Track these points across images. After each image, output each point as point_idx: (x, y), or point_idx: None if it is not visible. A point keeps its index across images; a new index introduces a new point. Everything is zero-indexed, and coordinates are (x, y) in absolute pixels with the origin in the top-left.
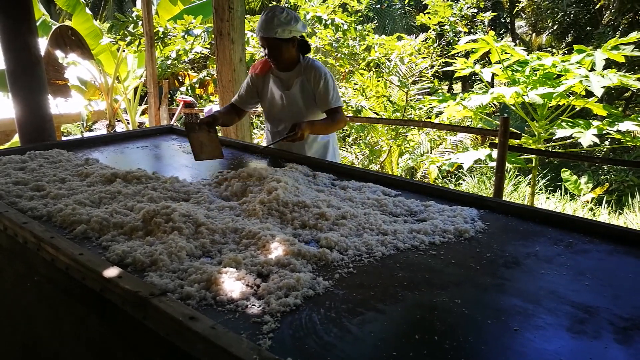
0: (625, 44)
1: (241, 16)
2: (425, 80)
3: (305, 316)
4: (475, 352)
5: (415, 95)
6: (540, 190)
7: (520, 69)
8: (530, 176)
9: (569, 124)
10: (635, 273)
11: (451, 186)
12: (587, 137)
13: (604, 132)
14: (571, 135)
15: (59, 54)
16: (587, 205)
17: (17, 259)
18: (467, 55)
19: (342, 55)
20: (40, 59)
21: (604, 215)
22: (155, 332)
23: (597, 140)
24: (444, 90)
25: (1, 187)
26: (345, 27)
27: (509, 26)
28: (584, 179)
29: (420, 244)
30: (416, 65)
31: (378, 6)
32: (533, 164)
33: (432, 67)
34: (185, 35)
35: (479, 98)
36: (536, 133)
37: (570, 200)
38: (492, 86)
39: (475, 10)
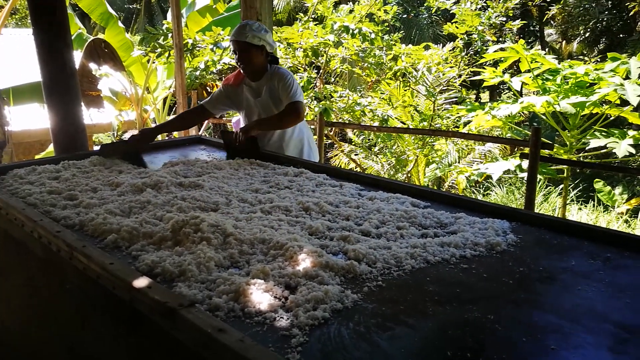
0: None
1: (269, 27)
2: (453, 90)
3: (334, 330)
4: None
5: (442, 105)
6: (572, 201)
7: (551, 77)
8: (561, 186)
9: (602, 133)
10: None
11: (479, 197)
12: (622, 147)
13: None
14: (605, 145)
15: (92, 66)
16: (621, 217)
17: (51, 267)
18: (495, 64)
19: (369, 65)
20: (75, 72)
21: None
22: (184, 344)
23: (633, 151)
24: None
25: (36, 196)
26: (373, 36)
27: (539, 34)
28: (618, 190)
29: (451, 257)
30: (443, 75)
31: (405, 16)
32: (565, 175)
33: (460, 76)
34: (214, 48)
35: (509, 107)
36: (568, 143)
37: (604, 211)
38: (522, 95)
39: (504, 19)
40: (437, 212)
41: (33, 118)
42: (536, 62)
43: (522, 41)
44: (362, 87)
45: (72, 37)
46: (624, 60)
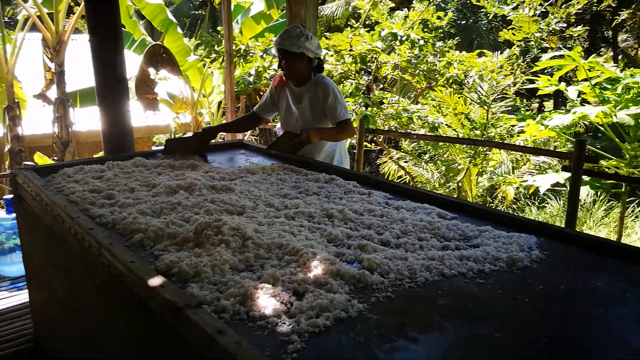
0: None
1: (313, 34)
2: (509, 98)
3: (332, 339)
4: None
5: (496, 113)
6: (637, 217)
7: (609, 87)
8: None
9: None
10: None
11: (533, 209)
12: None
13: None
14: None
15: (151, 70)
16: None
17: (84, 262)
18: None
19: (420, 72)
20: (124, 77)
21: None
22: (190, 345)
23: None
24: (533, 109)
25: (79, 194)
26: (422, 43)
27: (611, 40)
28: None
29: (468, 271)
30: (497, 83)
31: (464, 22)
32: (623, 189)
33: (515, 84)
34: (264, 54)
35: (561, 118)
36: (627, 156)
37: None
38: (581, 105)
39: (565, 25)
40: (462, 225)
41: (97, 120)
42: (595, 70)
43: (578, 48)
44: (412, 94)
45: (136, 43)
46: None
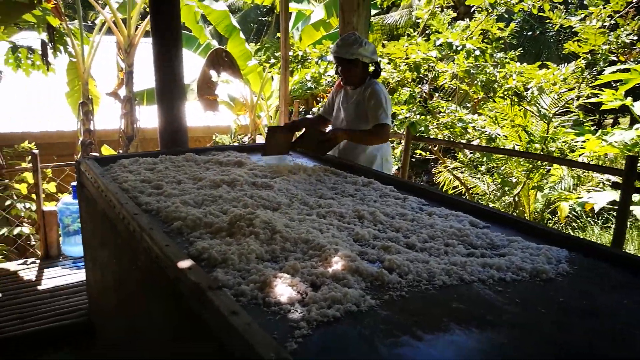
0: None
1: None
2: (573, 112)
3: (339, 329)
4: None
5: (558, 127)
6: None
7: None
8: None
9: None
10: None
11: (596, 229)
12: None
13: None
14: None
15: (213, 73)
16: None
17: (129, 245)
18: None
19: (478, 82)
20: (181, 78)
21: None
22: (207, 323)
23: None
24: (606, 124)
25: (131, 182)
26: (477, 53)
27: None
28: None
29: (489, 278)
30: (558, 96)
31: (530, 33)
32: None
33: (578, 98)
34: (319, 61)
35: (622, 133)
36: None
37: None
38: None
39: (636, 38)
40: (492, 234)
41: None
42: None
43: None
44: (470, 103)
45: (202, 47)
46: None
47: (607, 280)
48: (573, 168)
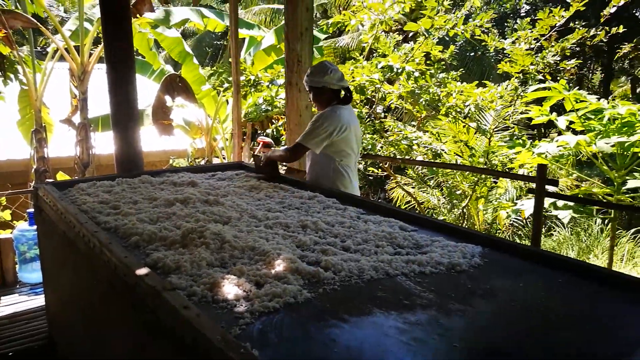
0: None
1: (308, 69)
2: (512, 128)
3: (278, 317)
4: None
5: (498, 142)
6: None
7: (593, 117)
8: (632, 230)
9: None
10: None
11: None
12: None
13: None
14: None
15: (167, 98)
16: None
17: (89, 259)
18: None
19: (423, 102)
20: (136, 105)
21: None
22: (163, 319)
23: None
24: (552, 137)
25: (89, 204)
26: (417, 74)
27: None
28: None
29: (410, 272)
30: (496, 113)
31: (472, 54)
32: (612, 215)
33: (514, 114)
34: (270, 85)
35: (546, 146)
36: (615, 183)
37: None
38: (576, 134)
39: (559, 58)
40: (417, 236)
41: None
42: (581, 101)
43: (563, 81)
44: (413, 122)
45: (156, 73)
46: None
47: (510, 269)
48: (514, 181)
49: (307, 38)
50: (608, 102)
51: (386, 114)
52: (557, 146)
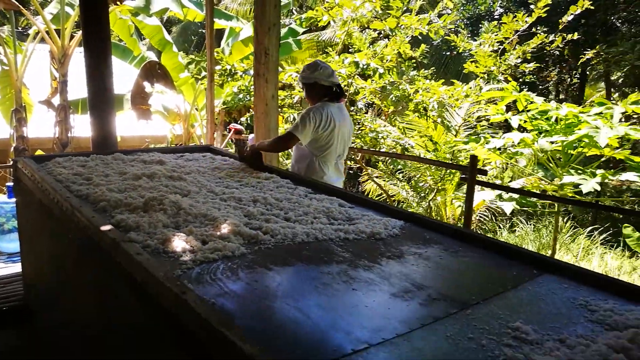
0: None
1: (275, 61)
2: (479, 125)
3: (215, 265)
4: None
5: (464, 138)
6: (601, 245)
7: (539, 117)
8: (589, 229)
9: (578, 171)
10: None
11: (504, 232)
12: (589, 185)
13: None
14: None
15: (146, 84)
16: None
17: (62, 222)
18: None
19: (393, 97)
20: (111, 88)
21: None
22: (120, 263)
23: (599, 188)
24: (497, 134)
25: (64, 175)
26: (381, 71)
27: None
28: None
29: (336, 238)
30: (464, 110)
31: (448, 53)
32: (556, 209)
33: (478, 112)
34: (243, 74)
35: (494, 142)
36: (559, 179)
37: (631, 257)
38: (528, 132)
39: (519, 61)
40: (351, 211)
41: None
42: (531, 102)
43: (513, 83)
44: (381, 117)
45: (137, 59)
46: (609, 106)
47: (422, 239)
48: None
49: (275, 33)
50: (556, 105)
51: (368, 109)
52: (505, 143)
